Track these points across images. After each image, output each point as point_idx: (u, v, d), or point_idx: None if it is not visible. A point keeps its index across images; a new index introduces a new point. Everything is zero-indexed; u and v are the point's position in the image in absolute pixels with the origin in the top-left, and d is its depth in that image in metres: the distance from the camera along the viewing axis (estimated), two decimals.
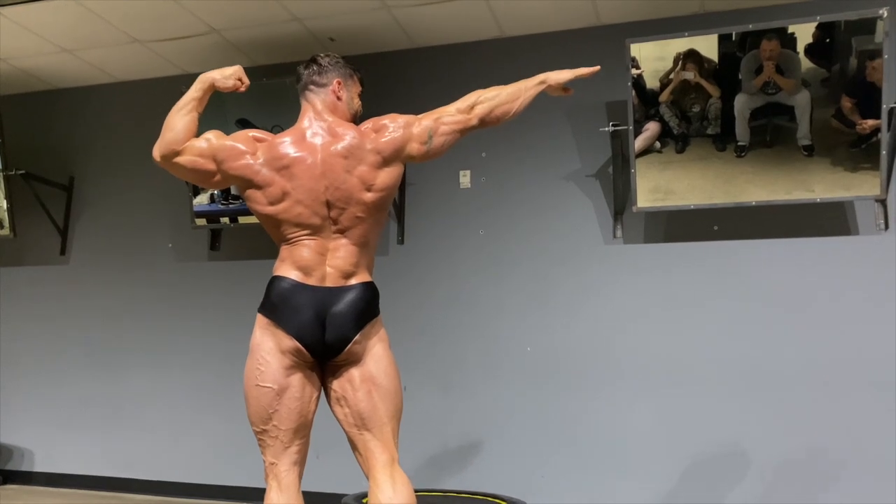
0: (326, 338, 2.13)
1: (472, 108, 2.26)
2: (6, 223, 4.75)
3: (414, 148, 2.23)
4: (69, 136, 5.04)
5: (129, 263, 4.82)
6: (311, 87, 2.30)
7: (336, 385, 2.20)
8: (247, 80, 2.34)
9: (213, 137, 2.21)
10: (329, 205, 2.16)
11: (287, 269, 2.17)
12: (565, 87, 2.35)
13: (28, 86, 5.03)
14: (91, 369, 4.81)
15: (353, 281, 2.18)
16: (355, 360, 2.17)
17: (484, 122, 2.27)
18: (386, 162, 2.20)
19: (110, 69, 4.76)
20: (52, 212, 4.88)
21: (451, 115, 2.25)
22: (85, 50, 4.48)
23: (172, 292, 4.71)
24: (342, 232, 2.18)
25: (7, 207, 4.72)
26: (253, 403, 2.16)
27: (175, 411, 4.61)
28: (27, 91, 5.11)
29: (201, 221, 4.47)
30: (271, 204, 2.18)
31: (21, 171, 4.70)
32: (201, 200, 4.42)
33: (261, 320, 2.18)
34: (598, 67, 2.36)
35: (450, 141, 2.26)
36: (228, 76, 2.28)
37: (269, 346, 2.14)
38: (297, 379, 2.15)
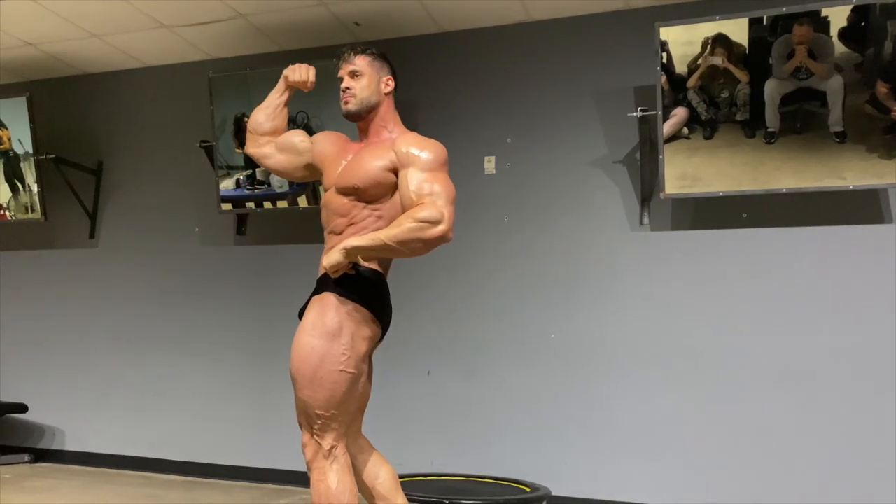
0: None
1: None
2: (38, 207, 4.82)
3: None
4: (98, 120, 5.09)
5: (157, 247, 4.88)
6: None
7: None
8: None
9: None
10: None
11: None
12: None
13: (57, 70, 5.08)
14: (119, 351, 4.89)
15: None
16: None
17: None
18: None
19: (138, 54, 4.80)
20: (81, 196, 4.94)
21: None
22: (113, 35, 4.51)
23: (198, 276, 4.76)
24: None
25: (38, 191, 4.79)
26: (328, 388, 2.16)
27: (200, 393, 4.67)
28: (57, 76, 5.16)
29: (227, 206, 4.49)
30: None
31: (51, 156, 4.77)
32: (228, 185, 4.44)
33: (354, 307, 2.22)
34: None
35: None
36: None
37: (362, 334, 2.23)
38: (367, 366, 2.33)
